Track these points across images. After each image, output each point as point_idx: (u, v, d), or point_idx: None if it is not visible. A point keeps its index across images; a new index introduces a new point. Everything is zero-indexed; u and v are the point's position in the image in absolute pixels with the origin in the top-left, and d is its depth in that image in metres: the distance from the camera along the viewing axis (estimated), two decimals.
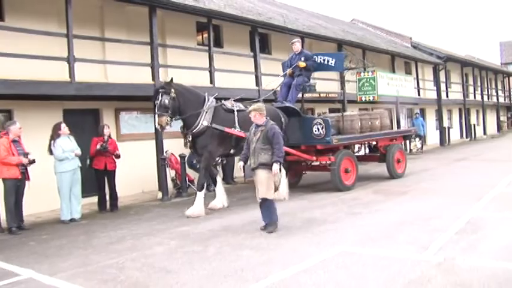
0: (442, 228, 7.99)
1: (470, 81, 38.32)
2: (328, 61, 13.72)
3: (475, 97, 38.17)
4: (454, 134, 34.58)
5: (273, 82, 14.37)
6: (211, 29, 15.44)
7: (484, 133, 39.40)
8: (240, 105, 11.48)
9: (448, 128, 32.42)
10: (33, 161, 9.91)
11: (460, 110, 36.54)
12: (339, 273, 5.94)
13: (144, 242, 8.29)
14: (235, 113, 11.21)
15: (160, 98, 10.21)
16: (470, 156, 22.12)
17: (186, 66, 14.35)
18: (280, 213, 9.89)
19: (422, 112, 30.90)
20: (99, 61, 13.02)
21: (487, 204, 9.98)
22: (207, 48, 15.49)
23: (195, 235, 8.56)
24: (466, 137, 36.39)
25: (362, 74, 21.90)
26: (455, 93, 34.08)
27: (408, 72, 28.84)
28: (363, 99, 21.87)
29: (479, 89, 38.91)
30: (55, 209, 11.23)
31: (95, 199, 12.13)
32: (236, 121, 11.08)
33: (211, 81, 14.91)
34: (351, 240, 7.53)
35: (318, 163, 13.10)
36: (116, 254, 7.50)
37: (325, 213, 9.94)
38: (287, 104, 12.75)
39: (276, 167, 8.23)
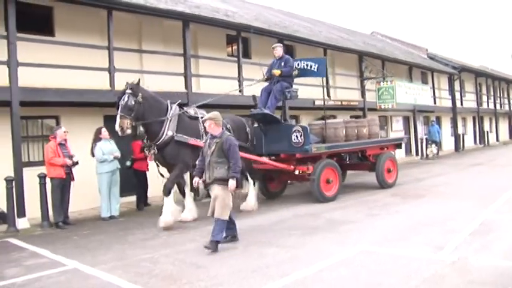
0: (456, 229, 7.90)
1: (484, 91, 37.68)
2: (311, 66, 12.51)
3: (488, 105, 37.49)
4: (468, 141, 34.03)
5: (250, 86, 13.03)
6: (240, 41, 15.53)
7: (497, 140, 38.67)
8: (203, 113, 9.97)
9: (463, 135, 31.98)
10: (76, 163, 10.15)
11: (474, 117, 35.94)
12: (359, 271, 5.92)
13: (177, 238, 8.37)
14: (200, 120, 9.78)
15: (126, 99, 8.90)
16: (485, 161, 21.76)
17: (216, 76, 14.47)
18: (304, 213, 9.98)
19: (438, 120, 30.52)
20: (136, 71, 13.19)
21: (500, 207, 9.84)
22: (236, 59, 15.60)
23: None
24: (480, 143, 35.78)
25: (381, 83, 21.85)
26: (469, 101, 33.55)
27: (424, 81, 28.52)
28: (382, 107, 21.81)
29: (492, 98, 38.21)
30: (95, 207, 11.41)
31: (131, 198, 12.30)
32: (201, 130, 9.73)
33: (240, 90, 14.98)
34: (371, 240, 7.48)
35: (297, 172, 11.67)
36: (151, 250, 7.58)
37: (346, 214, 9.91)
38: (265, 111, 11.32)
39: (232, 183, 7.15)
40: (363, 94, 21.59)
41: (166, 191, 9.23)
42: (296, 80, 16.98)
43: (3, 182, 9.73)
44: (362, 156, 14.06)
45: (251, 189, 11.08)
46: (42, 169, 10.28)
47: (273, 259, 6.68)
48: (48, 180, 10.12)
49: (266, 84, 11.88)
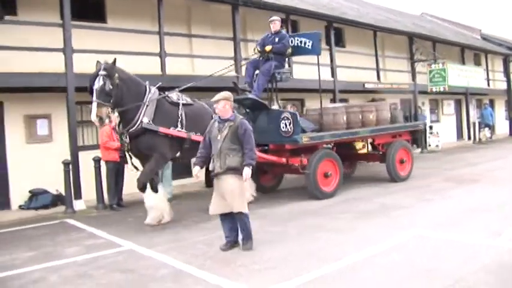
0: None
1: None
2: (304, 43, 10.92)
3: None
4: None
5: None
6: (290, 24, 15.40)
7: None
8: (187, 98, 8.95)
9: None
10: None
11: None
12: (413, 256, 5.82)
13: None
14: (180, 106, 8.64)
15: (100, 82, 7.52)
16: None
17: None
18: (357, 197, 9.88)
19: (492, 103, 29.47)
20: (186, 55, 13.34)
21: None
22: None
23: (275, 217, 8.61)
24: None
25: (433, 65, 21.24)
26: None
27: (477, 63, 27.60)
28: (434, 90, 21.23)
29: None
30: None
31: (183, 181, 12.46)
32: (181, 117, 8.55)
33: (291, 73, 14.86)
34: (424, 225, 7.34)
35: (290, 165, 10.20)
36: (205, 232, 7.66)
37: (398, 199, 9.73)
38: (249, 96, 9.93)
39: (248, 171, 6.28)
40: (413, 77, 21.07)
41: (141, 185, 8.21)
42: (347, 62, 16.95)
43: (61, 165, 10.04)
44: (372, 146, 12.82)
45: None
46: (97, 153, 10.54)
47: (325, 243, 6.65)
48: (103, 163, 10.37)
49: None
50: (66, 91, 10.17)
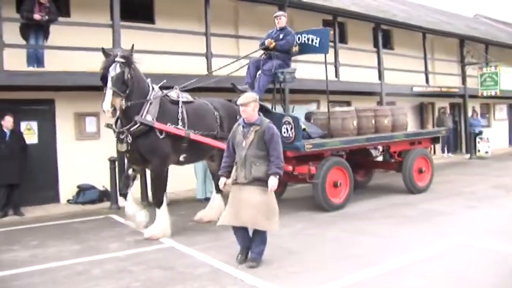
0: None
1: None
2: (312, 40, 10.02)
3: None
4: None
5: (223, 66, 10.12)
6: (337, 25, 15.30)
7: None
8: (187, 96, 8.33)
9: None
10: None
11: None
12: (457, 264, 5.70)
13: None
14: (180, 104, 7.97)
15: (117, 70, 6.92)
16: None
17: (313, 61, 14.36)
18: (400, 203, 9.71)
19: None
20: (233, 56, 13.41)
21: None
22: (332, 44, 15.39)
23: (316, 220, 8.58)
24: None
25: (484, 69, 20.62)
26: None
27: None
28: (485, 94, 20.60)
29: None
30: (191, 189, 11.78)
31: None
32: (182, 115, 7.86)
33: (336, 75, 14.79)
34: (468, 233, 7.15)
35: (297, 174, 9.40)
36: None
37: (443, 205, 9.51)
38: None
39: (274, 181, 5.57)
40: (463, 80, 20.53)
41: (158, 203, 7.60)
42: (395, 65, 16.68)
43: (107, 162, 10.32)
44: (388, 153, 11.58)
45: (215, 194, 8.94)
46: None
47: (365, 247, 6.60)
48: None
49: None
50: None
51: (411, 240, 6.90)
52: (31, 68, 10.09)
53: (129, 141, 7.32)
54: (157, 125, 7.42)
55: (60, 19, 10.41)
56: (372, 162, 12.17)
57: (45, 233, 8.29)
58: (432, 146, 12.57)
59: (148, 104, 7.45)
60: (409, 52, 18.03)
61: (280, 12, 9.89)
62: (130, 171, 8.03)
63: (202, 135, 8.02)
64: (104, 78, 6.97)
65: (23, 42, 10.17)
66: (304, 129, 9.54)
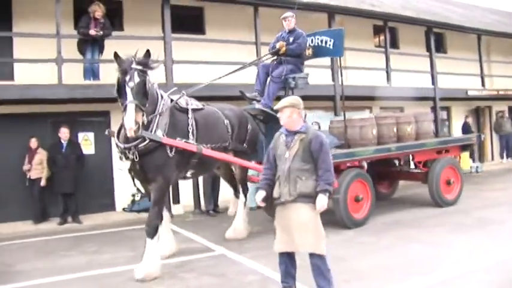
0: None
1: None
2: (326, 42, 9.17)
3: None
4: None
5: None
6: (388, 30, 15.09)
7: None
8: (196, 103, 7.35)
9: None
10: None
11: None
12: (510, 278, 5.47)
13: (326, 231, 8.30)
14: (190, 113, 7.00)
15: (137, 79, 5.93)
16: None
17: (363, 67, 14.25)
18: (452, 211, 9.40)
19: None
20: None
21: None
22: (383, 49, 15.19)
23: (369, 227, 8.45)
24: None
25: None
26: None
27: None
28: None
29: None
30: None
31: None
32: (192, 127, 6.91)
33: (388, 80, 14.58)
34: None
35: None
36: None
37: (499, 213, 9.14)
38: (257, 107, 8.34)
39: (323, 200, 4.65)
40: None
41: (152, 231, 6.21)
42: (448, 69, 16.25)
43: None
44: (413, 163, 10.72)
45: (241, 209, 8.32)
46: None
47: (417, 256, 6.44)
48: None
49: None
50: None
51: (466, 248, 6.68)
52: (88, 81, 10.48)
53: (135, 159, 6.23)
54: (168, 141, 6.40)
55: (114, 33, 10.76)
56: (396, 172, 11.18)
57: (101, 239, 8.56)
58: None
59: (158, 116, 6.40)
60: (463, 55, 17.52)
61: (289, 13, 8.88)
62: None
63: (214, 149, 7.20)
64: (120, 89, 5.98)
65: (80, 57, 10.57)
66: None
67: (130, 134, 5.75)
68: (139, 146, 6.18)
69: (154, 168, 6.34)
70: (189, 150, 6.71)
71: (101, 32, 10.33)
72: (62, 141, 10.32)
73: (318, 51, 9.39)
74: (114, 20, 11.45)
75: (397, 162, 11.11)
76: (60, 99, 10.04)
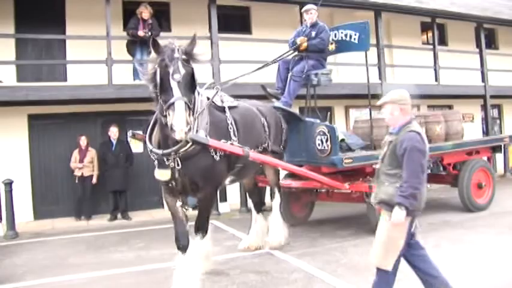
0: None
1: None
2: (350, 36, 8.48)
3: None
4: None
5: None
6: (436, 27, 14.76)
7: None
8: (230, 99, 6.54)
9: None
10: None
11: None
12: None
13: (367, 227, 8.08)
14: (227, 112, 6.18)
15: (183, 71, 4.91)
16: None
17: (410, 65, 13.99)
18: (502, 211, 9.13)
19: None
20: (332, 63, 13.39)
21: None
22: (431, 46, 14.87)
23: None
24: None
25: None
26: None
27: None
28: None
29: None
30: None
31: None
32: (232, 126, 6.10)
33: (436, 79, 14.26)
34: None
35: (349, 192, 8.20)
36: (340, 239, 7.66)
37: None
38: (277, 105, 7.80)
39: (396, 214, 4.07)
40: None
41: (203, 232, 5.74)
42: (499, 66, 15.73)
43: None
44: (441, 165, 10.07)
45: (276, 214, 7.38)
46: None
47: (465, 257, 6.29)
48: None
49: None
50: None
51: None
52: (137, 81, 10.72)
53: (177, 167, 5.28)
54: (215, 143, 5.56)
55: (162, 34, 10.95)
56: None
57: (149, 236, 8.75)
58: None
59: (197, 116, 5.43)
60: None
61: (310, 6, 8.24)
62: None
63: (257, 152, 6.56)
64: (162, 84, 4.88)
65: (129, 57, 10.83)
66: (342, 140, 8.27)
67: (180, 136, 4.73)
68: (181, 150, 5.20)
69: (200, 175, 5.50)
70: (235, 153, 5.94)
71: (150, 33, 10.54)
72: (112, 140, 10.62)
73: (342, 46, 8.76)
74: (162, 20, 11.68)
75: None
76: (109, 98, 10.34)
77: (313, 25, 8.12)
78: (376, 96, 11.32)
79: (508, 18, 16.35)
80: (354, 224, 8.67)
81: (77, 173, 10.55)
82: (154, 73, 4.98)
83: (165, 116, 4.83)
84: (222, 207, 10.74)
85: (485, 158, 10.50)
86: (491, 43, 17.60)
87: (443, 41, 16.32)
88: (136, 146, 11.34)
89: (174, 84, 4.80)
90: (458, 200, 9.51)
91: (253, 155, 6.27)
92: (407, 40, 14.97)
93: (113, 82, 10.14)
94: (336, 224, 8.88)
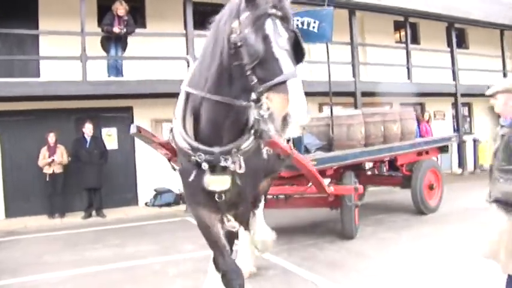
0: None
1: None
2: (308, 24, 7.37)
3: None
4: None
5: None
6: (408, 26, 15.01)
7: None
8: None
9: None
10: None
11: None
12: None
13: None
14: None
15: (286, 34, 3.01)
16: None
17: (384, 63, 14.20)
18: (474, 207, 9.28)
19: None
20: (307, 61, 13.49)
21: None
22: (404, 45, 15.11)
23: (389, 223, 8.48)
24: None
25: None
26: None
27: None
28: None
29: None
30: None
31: None
32: None
33: (409, 77, 14.51)
34: None
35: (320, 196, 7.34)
36: (316, 236, 7.73)
37: None
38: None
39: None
40: None
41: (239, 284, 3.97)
42: (469, 65, 16.10)
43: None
44: (392, 166, 9.62)
45: (261, 218, 6.08)
46: None
47: (436, 252, 6.42)
48: None
49: None
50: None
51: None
52: (111, 78, 10.64)
53: (239, 170, 3.58)
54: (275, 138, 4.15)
55: (137, 30, 10.89)
56: (368, 177, 9.92)
57: (125, 233, 8.70)
58: None
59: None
60: (485, 51, 17.33)
61: None
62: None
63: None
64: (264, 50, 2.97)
65: (104, 54, 10.73)
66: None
67: (297, 133, 3.19)
68: (244, 146, 3.62)
69: (257, 179, 4.33)
70: (284, 152, 5.02)
71: (125, 29, 10.47)
72: (86, 137, 10.51)
73: (304, 36, 7.11)
74: (137, 17, 11.59)
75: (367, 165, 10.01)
76: (84, 95, 10.22)
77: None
78: (350, 94, 11.54)
79: (477, 18, 16.73)
80: (330, 222, 8.76)
81: (47, 170, 10.38)
82: (245, 37, 3.03)
83: (257, 101, 2.99)
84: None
85: (434, 159, 10.34)
86: (462, 43, 17.98)
87: (415, 40, 16.61)
88: (110, 143, 11.27)
89: (283, 55, 2.98)
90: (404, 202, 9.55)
91: (297, 155, 5.58)
92: (380, 38, 15.19)
93: (87, 78, 10.03)
94: (311, 221, 8.96)
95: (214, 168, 3.57)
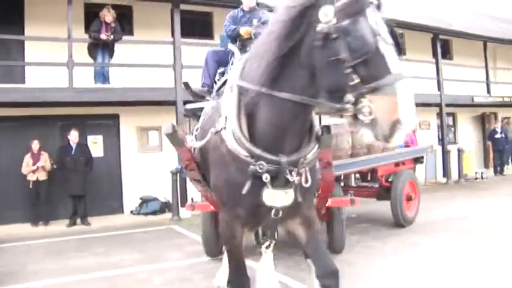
0: None
1: None
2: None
3: None
4: None
5: None
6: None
7: None
8: None
9: None
10: None
11: None
12: None
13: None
14: None
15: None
16: None
17: None
18: (458, 216, 9.36)
19: None
20: None
21: None
22: None
23: (374, 232, 8.50)
24: None
25: None
26: None
27: None
28: None
29: None
30: None
31: None
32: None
33: None
34: None
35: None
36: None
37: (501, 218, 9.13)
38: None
39: None
40: None
41: None
42: (453, 75, 16.29)
43: (169, 174, 10.62)
44: (372, 177, 9.31)
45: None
46: None
47: (422, 261, 6.46)
48: None
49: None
50: (175, 104, 10.75)
51: (475, 253, 6.70)
52: (98, 85, 10.60)
53: (306, 184, 3.16)
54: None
55: (124, 37, 10.88)
56: (346, 188, 8.95)
57: (110, 241, 8.63)
58: None
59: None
60: (469, 62, 17.57)
61: None
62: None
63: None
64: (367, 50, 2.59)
65: (90, 60, 10.69)
66: None
67: (400, 141, 3.17)
68: (309, 155, 3.19)
69: (311, 194, 3.66)
70: (328, 163, 4.72)
71: (112, 36, 10.45)
72: (71, 144, 10.42)
73: None
74: (124, 24, 11.57)
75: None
76: (70, 102, 10.16)
77: (251, 11, 5.73)
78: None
79: (462, 30, 16.96)
80: None
81: (31, 177, 10.27)
82: (346, 28, 2.60)
83: (355, 104, 2.59)
84: (183, 212, 10.67)
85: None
86: (447, 53, 18.19)
87: (401, 51, 16.71)
88: (96, 150, 11.21)
89: (387, 50, 2.64)
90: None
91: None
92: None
93: (73, 85, 9.97)
94: None
95: (275, 181, 3.07)
